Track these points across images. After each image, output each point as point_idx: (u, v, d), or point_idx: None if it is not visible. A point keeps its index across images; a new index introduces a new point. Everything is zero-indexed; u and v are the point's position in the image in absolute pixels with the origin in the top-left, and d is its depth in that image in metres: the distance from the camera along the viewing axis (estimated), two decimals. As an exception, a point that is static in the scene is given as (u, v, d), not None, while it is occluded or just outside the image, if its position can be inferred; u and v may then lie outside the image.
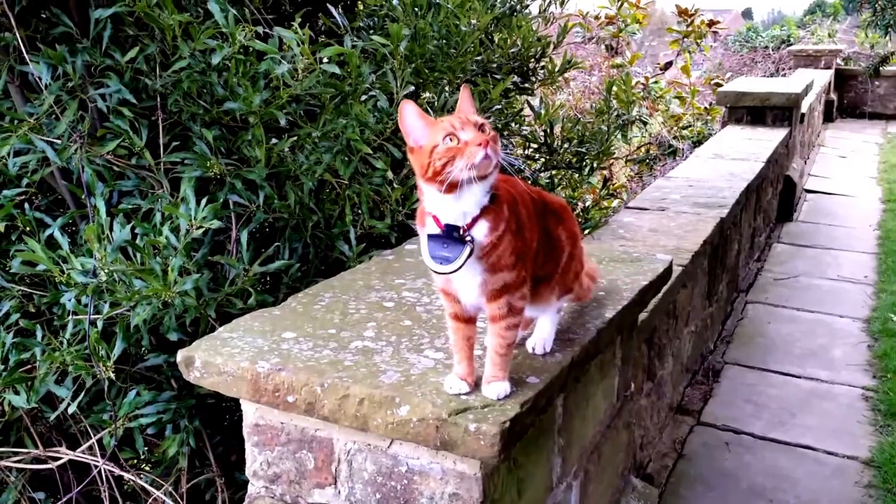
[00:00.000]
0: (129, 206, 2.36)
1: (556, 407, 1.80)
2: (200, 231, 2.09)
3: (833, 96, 12.24)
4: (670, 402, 3.62)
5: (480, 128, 1.36)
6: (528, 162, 3.88)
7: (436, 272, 1.42)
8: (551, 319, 1.70)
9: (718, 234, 4.00)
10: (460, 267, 1.39)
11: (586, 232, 3.99)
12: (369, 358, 1.66)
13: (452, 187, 1.36)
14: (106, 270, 1.95)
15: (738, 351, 4.44)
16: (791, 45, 13.52)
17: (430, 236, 1.42)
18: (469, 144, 1.34)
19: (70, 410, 2.18)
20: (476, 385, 1.52)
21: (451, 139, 1.35)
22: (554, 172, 3.90)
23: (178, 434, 2.46)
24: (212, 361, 1.68)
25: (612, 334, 1.92)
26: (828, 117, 11.93)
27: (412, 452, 1.57)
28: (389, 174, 2.51)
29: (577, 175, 3.91)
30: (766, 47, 13.91)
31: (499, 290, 1.45)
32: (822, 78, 10.86)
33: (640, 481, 2.61)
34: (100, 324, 2.11)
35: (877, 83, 12.34)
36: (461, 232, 1.39)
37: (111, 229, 2.06)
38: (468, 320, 1.50)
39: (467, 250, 1.39)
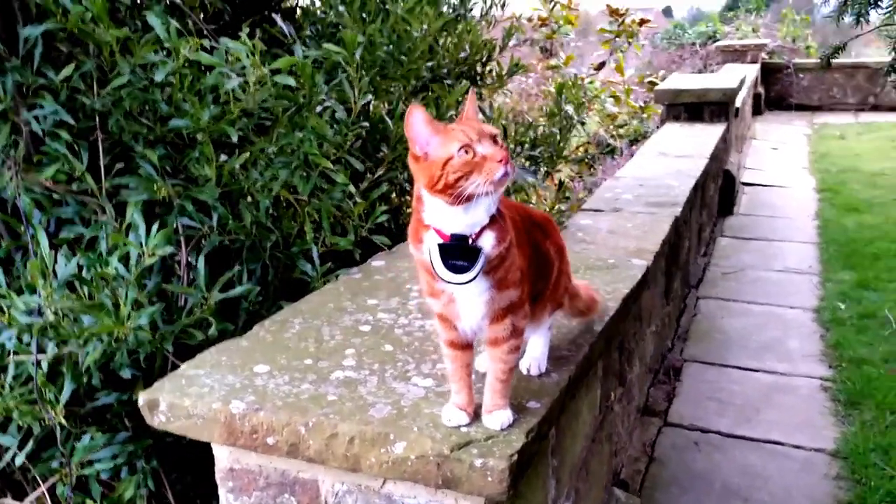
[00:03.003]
0: (71, 236, 2.19)
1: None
2: (154, 259, 1.93)
3: (760, 89, 12.53)
4: (637, 404, 3.58)
5: (494, 140, 1.27)
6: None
7: (451, 283, 1.31)
8: (543, 338, 1.61)
9: (674, 233, 3.99)
10: (478, 274, 1.29)
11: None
12: (353, 390, 1.54)
13: (465, 200, 1.26)
14: (52, 309, 1.78)
15: (695, 347, 4.44)
16: (717, 41, 13.80)
17: (441, 246, 1.31)
18: (488, 160, 1.24)
19: (18, 462, 1.99)
20: (475, 415, 1.42)
21: (466, 151, 1.25)
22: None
23: (135, 475, 2.30)
24: (179, 404, 1.54)
25: (601, 348, 1.85)
26: (756, 110, 12.19)
27: (408, 492, 1.45)
28: (351, 188, 2.39)
29: (531, 178, 3.84)
30: (693, 44, 14.18)
31: (504, 309, 1.36)
32: (750, 72, 11.10)
33: (623, 492, 2.55)
34: (45, 364, 1.94)
35: (801, 76, 12.68)
36: (470, 242, 1.30)
37: (55, 262, 1.89)
38: (466, 346, 1.40)
39: (483, 256, 1.29)
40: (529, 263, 1.45)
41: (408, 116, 1.30)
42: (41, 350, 1.93)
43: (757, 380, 4.02)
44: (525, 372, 1.59)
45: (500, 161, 1.24)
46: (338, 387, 1.56)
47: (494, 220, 1.31)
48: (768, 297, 5.14)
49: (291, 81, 2.13)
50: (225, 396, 1.53)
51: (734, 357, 4.28)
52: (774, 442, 3.44)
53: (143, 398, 1.58)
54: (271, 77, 2.18)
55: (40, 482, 2.18)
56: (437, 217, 1.31)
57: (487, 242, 1.31)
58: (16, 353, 2.04)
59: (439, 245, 1.29)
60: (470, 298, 1.34)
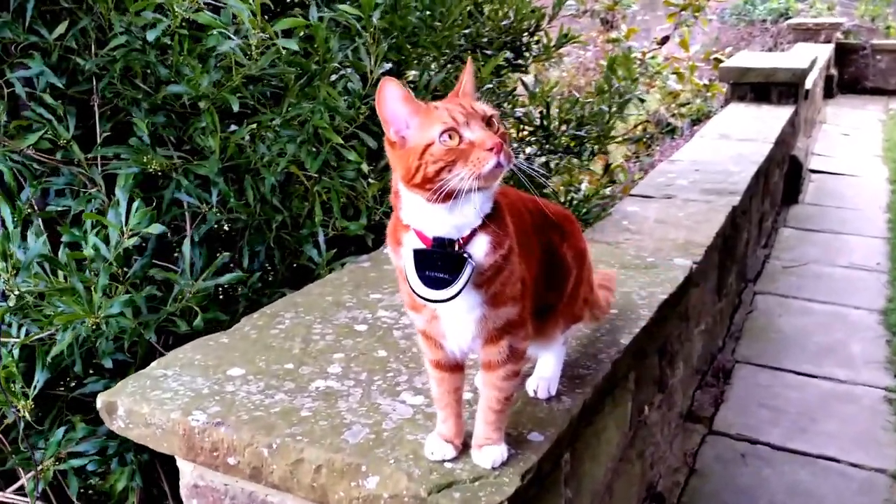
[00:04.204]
0: (59, 208, 2.02)
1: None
2: (135, 239, 1.74)
3: (833, 71, 11.88)
4: (680, 409, 3.31)
5: (488, 122, 1.02)
6: (522, 146, 3.54)
7: (428, 300, 1.07)
8: (556, 355, 1.37)
9: (730, 225, 3.68)
10: (461, 290, 1.05)
11: (589, 222, 3.66)
12: (332, 405, 1.33)
13: (447, 197, 1.02)
14: (16, 293, 1.61)
15: (749, 348, 4.12)
16: (789, 18, 13.11)
17: (417, 252, 1.08)
18: (476, 147, 1.00)
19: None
20: (464, 446, 1.19)
21: (450, 136, 1.01)
22: (551, 157, 3.56)
23: (127, 466, 2.14)
24: (137, 410, 1.36)
25: (628, 364, 1.60)
26: (828, 93, 11.57)
27: (384, 532, 1.24)
28: (364, 167, 2.16)
29: (575, 160, 3.56)
30: (764, 21, 13.49)
31: (500, 329, 1.12)
32: (822, 52, 10.50)
33: (654, 513, 2.30)
34: (16, 352, 1.77)
35: (878, 57, 11.99)
36: (456, 247, 1.06)
37: (24, 240, 1.71)
38: (455, 368, 1.16)
39: (469, 268, 1.05)
40: (538, 272, 1.21)
41: (380, 92, 1.05)
42: (12, 335, 1.77)
43: (815, 386, 3.70)
44: (532, 394, 1.35)
45: (491, 149, 0.99)
46: (315, 399, 1.35)
47: (490, 221, 1.07)
48: (831, 294, 4.77)
49: (295, 46, 1.91)
50: (187, 405, 1.34)
51: (791, 360, 3.96)
52: (830, 458, 3.14)
53: (100, 400, 1.40)
54: (277, 39, 1.96)
55: (21, 474, 2.04)
56: (416, 217, 1.07)
57: (479, 249, 1.07)
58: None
59: (415, 251, 1.06)
60: (457, 316, 1.11)
